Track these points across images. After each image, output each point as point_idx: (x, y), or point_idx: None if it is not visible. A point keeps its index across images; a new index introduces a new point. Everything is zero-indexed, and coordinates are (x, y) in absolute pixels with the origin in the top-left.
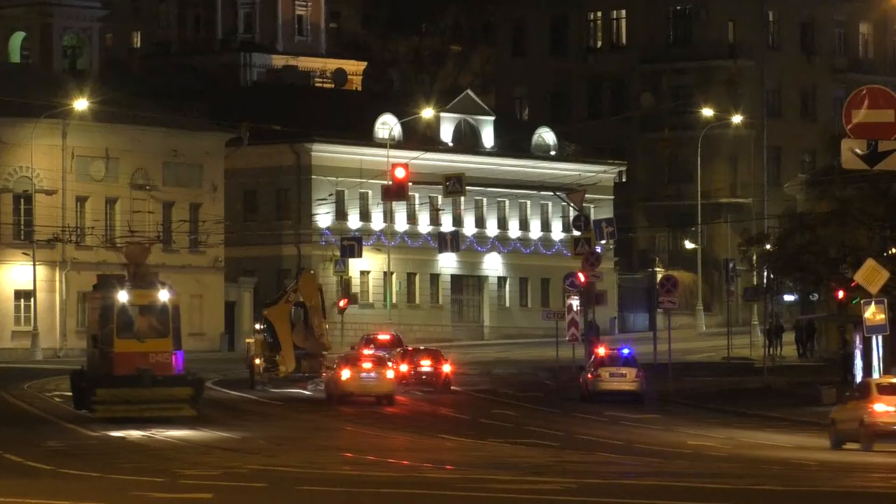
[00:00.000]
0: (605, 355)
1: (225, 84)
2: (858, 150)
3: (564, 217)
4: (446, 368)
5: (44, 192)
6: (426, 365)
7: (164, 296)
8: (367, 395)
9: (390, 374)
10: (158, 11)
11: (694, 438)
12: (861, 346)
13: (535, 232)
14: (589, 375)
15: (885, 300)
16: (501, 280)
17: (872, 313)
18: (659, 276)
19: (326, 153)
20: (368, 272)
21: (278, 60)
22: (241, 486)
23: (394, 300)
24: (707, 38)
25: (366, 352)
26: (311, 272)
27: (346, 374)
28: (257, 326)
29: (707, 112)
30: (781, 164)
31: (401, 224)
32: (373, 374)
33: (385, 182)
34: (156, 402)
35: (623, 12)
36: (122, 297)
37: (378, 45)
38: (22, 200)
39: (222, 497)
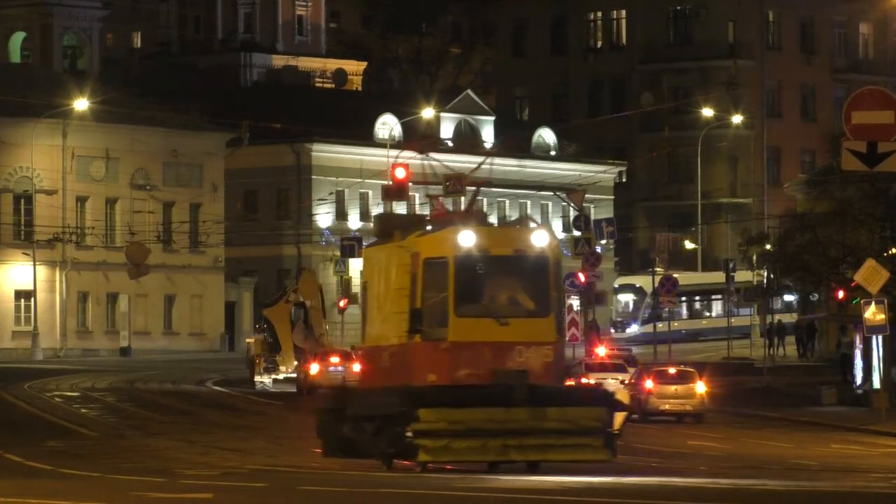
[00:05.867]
0: (598, 360)
1: (225, 84)
2: (858, 151)
3: (564, 217)
4: None
5: (44, 192)
6: None
7: (539, 240)
8: None
9: (357, 367)
10: (158, 11)
11: (694, 438)
12: (861, 346)
13: None
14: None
15: (885, 300)
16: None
17: (872, 313)
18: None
19: (326, 153)
20: None
21: (278, 60)
22: (241, 486)
23: None
24: (707, 38)
25: None
26: (311, 272)
27: (314, 368)
28: (257, 326)
29: (707, 112)
30: (781, 164)
31: None
32: (340, 368)
33: (385, 182)
34: (537, 435)
35: (623, 12)
36: (466, 240)
37: (378, 45)
38: (22, 200)
39: (222, 497)
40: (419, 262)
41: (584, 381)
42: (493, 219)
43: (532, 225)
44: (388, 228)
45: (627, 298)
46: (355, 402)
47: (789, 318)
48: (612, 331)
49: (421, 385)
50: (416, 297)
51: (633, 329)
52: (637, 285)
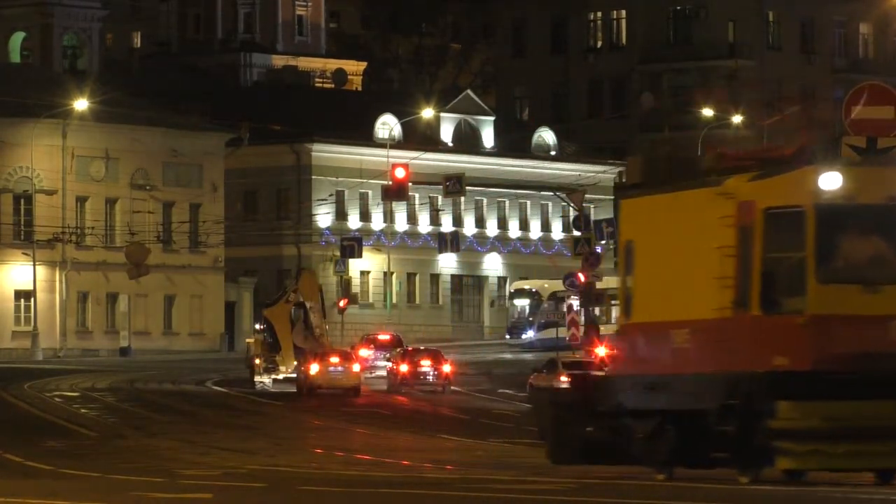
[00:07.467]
0: (572, 359)
1: (225, 84)
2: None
3: (564, 217)
4: (446, 368)
5: (44, 192)
6: (426, 365)
7: None
8: (334, 388)
9: (356, 367)
10: (158, 11)
11: None
12: None
13: (535, 232)
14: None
15: None
16: (501, 280)
17: None
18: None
19: (326, 153)
20: (368, 272)
21: (278, 60)
22: (241, 486)
23: (394, 300)
24: (707, 38)
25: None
26: (311, 272)
27: (314, 368)
28: (257, 326)
29: (707, 112)
30: None
31: (401, 224)
32: (340, 368)
33: (385, 182)
34: None
35: (623, 12)
36: (831, 183)
37: (378, 45)
38: (22, 200)
39: (222, 497)
40: (756, 213)
41: (561, 378)
42: (492, 220)
43: None
44: (667, 172)
45: (523, 304)
46: (617, 395)
47: None
48: (508, 336)
49: (769, 371)
50: (752, 258)
51: (529, 335)
52: (533, 290)
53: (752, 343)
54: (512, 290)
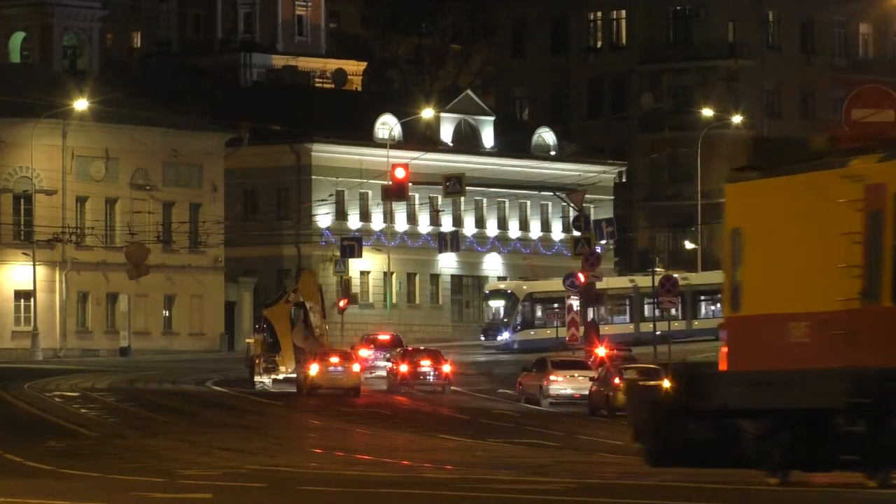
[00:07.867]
0: (561, 358)
1: (225, 84)
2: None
3: (564, 217)
4: (446, 368)
5: (44, 192)
6: (426, 365)
7: None
8: (334, 388)
9: (356, 367)
10: (158, 11)
11: None
12: None
13: (535, 232)
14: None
15: None
16: (501, 280)
17: None
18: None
19: (326, 153)
20: (368, 272)
21: (278, 60)
22: (241, 486)
23: (394, 300)
24: (707, 38)
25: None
26: (311, 272)
27: (314, 368)
28: (257, 326)
29: (707, 112)
30: None
31: (401, 224)
32: (340, 368)
33: (385, 182)
34: None
35: (623, 12)
36: None
37: (378, 45)
38: (22, 200)
39: (222, 497)
40: (887, 197)
41: (551, 377)
42: (492, 220)
43: None
44: (778, 154)
45: (498, 305)
46: (723, 392)
47: None
48: (483, 338)
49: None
50: (882, 245)
51: (505, 337)
52: (508, 291)
53: (883, 336)
54: (487, 292)
